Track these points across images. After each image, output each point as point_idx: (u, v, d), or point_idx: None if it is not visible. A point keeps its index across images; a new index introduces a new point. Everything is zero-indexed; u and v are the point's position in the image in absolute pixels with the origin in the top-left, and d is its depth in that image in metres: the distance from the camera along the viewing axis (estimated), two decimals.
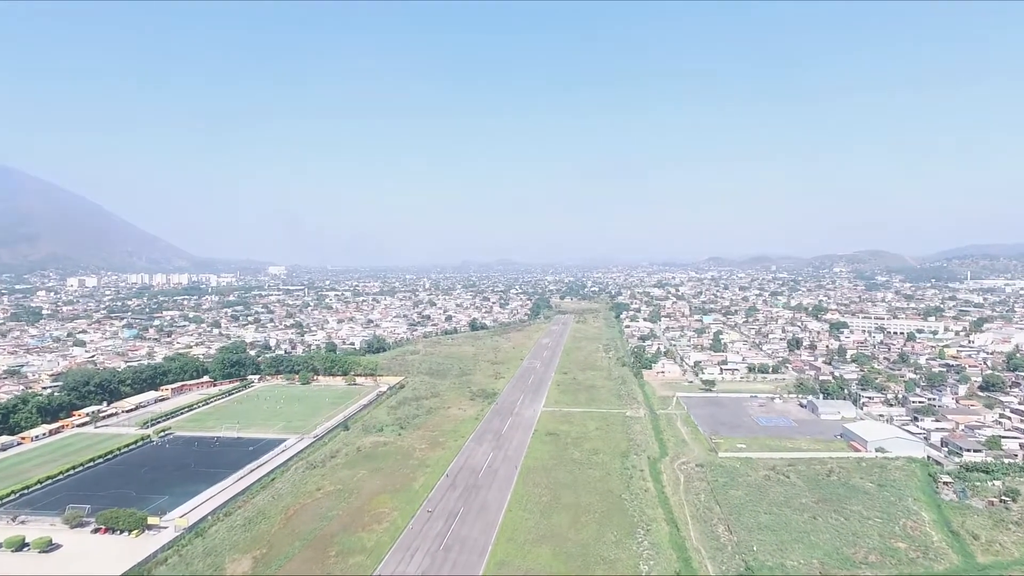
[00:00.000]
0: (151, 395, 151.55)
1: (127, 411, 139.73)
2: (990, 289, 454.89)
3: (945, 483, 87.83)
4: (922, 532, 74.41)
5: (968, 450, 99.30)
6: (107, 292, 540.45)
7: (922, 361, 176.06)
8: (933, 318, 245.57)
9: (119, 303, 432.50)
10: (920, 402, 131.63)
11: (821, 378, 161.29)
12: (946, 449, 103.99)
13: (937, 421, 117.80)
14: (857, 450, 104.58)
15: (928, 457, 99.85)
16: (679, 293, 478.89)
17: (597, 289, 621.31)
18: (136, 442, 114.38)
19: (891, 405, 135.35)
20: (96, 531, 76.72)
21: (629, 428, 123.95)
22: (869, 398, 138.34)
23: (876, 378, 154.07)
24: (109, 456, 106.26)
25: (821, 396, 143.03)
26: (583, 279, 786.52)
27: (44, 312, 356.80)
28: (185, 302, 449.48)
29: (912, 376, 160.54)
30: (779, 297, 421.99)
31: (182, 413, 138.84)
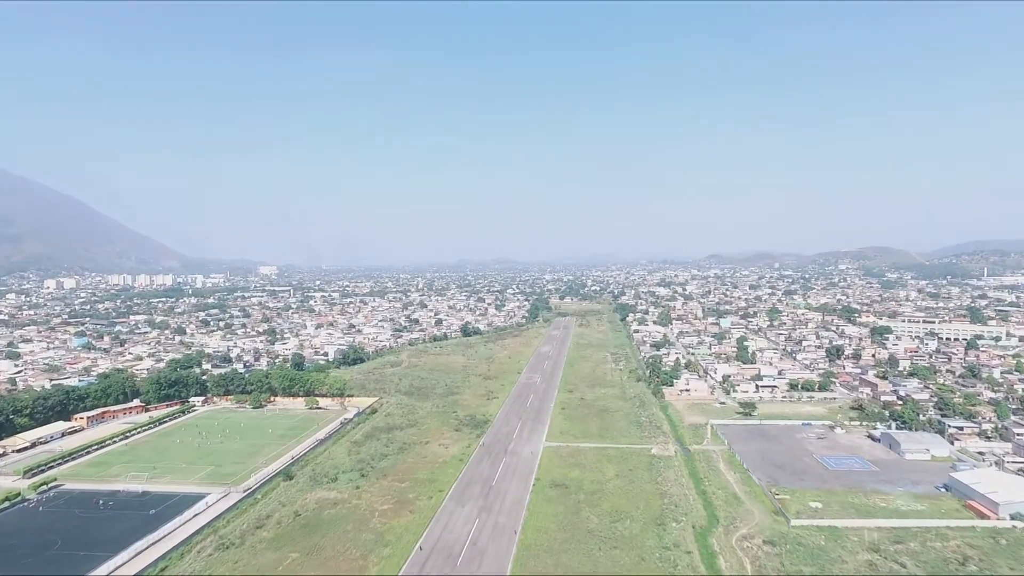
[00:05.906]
0: (58, 427, 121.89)
1: (18, 450, 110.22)
2: (1013, 286, 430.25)
3: None
4: None
5: None
6: (81, 294, 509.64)
7: (996, 375, 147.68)
8: (995, 321, 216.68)
9: (88, 306, 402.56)
10: None
11: (884, 398, 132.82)
12: None
13: None
14: (983, 515, 75.93)
15: None
16: (687, 293, 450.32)
17: (598, 288, 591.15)
18: (1, 502, 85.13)
19: (989, 438, 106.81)
20: None
21: (659, 475, 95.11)
22: (958, 428, 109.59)
23: (952, 398, 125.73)
24: None
25: (893, 424, 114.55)
26: (582, 278, 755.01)
27: (0, 317, 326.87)
28: (160, 305, 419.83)
29: (992, 395, 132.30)
30: (794, 296, 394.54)
31: (88, 452, 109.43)
